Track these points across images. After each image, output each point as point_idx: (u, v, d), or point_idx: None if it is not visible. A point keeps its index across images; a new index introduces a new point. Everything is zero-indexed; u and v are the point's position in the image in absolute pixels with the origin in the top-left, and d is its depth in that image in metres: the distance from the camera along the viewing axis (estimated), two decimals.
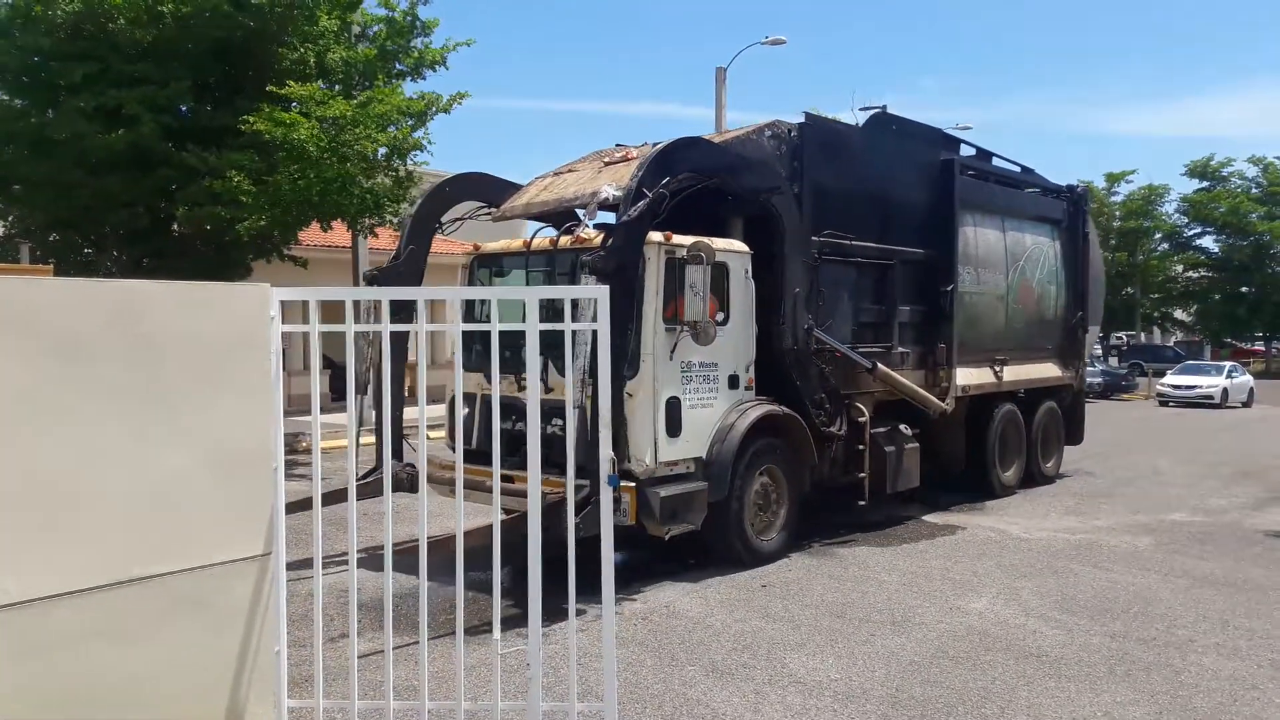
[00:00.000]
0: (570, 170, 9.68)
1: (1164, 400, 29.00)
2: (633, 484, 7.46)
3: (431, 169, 18.38)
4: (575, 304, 4.02)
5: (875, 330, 10.33)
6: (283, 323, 4.29)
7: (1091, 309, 14.01)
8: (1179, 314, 52.13)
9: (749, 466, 8.41)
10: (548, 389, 7.47)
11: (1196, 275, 49.06)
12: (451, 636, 4.51)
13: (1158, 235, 47.04)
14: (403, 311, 7.28)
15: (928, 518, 10.65)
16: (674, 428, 7.86)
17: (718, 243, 8.19)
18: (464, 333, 5.77)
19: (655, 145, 8.75)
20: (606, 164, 9.27)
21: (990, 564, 8.55)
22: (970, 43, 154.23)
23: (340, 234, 17.92)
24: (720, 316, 8.28)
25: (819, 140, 9.59)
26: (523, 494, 5.80)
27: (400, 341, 8.61)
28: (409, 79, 15.37)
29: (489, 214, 9.99)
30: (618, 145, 10.48)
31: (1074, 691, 5.48)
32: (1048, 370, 13.06)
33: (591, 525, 6.65)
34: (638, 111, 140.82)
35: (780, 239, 8.88)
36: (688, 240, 7.82)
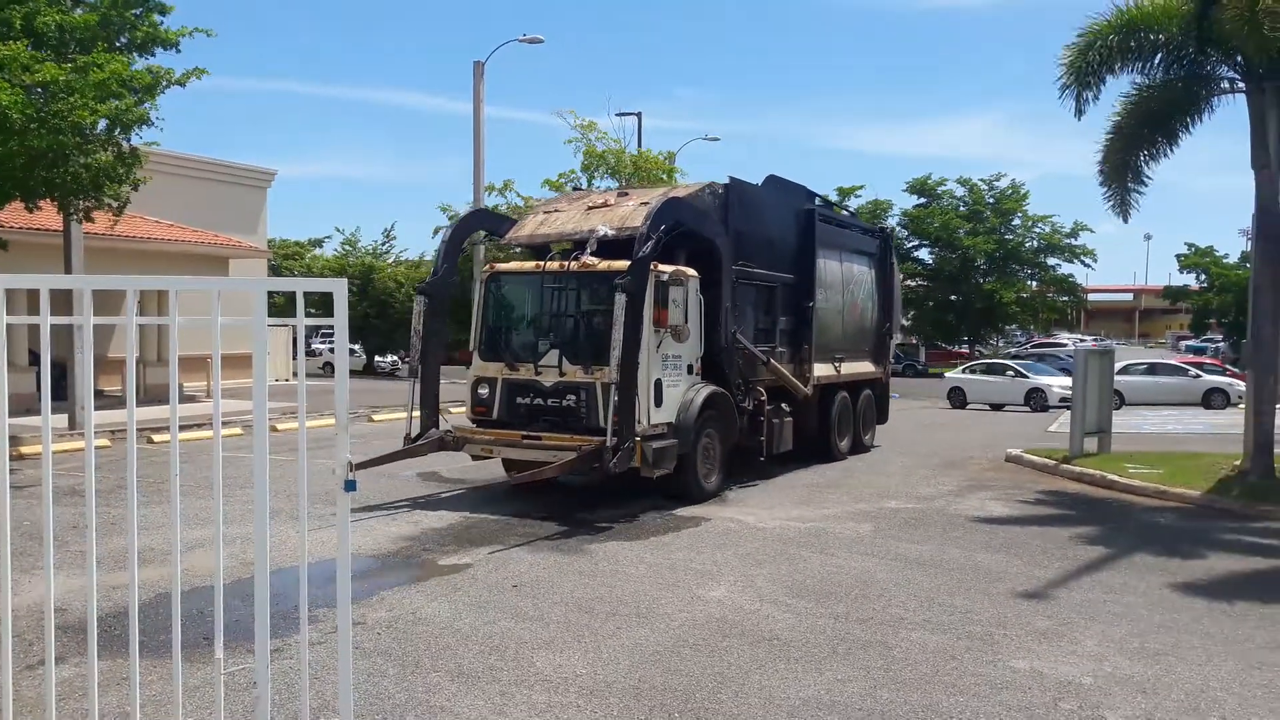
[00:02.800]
0: (556, 210, 12.86)
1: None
2: (638, 439, 10.53)
3: (166, 149, 16.90)
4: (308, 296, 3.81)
5: (765, 334, 13.74)
6: None
7: (895, 321, 18.25)
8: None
9: (700, 429, 11.59)
10: (561, 373, 11.11)
11: (914, 284, 53.86)
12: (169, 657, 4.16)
13: None
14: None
15: (676, 511, 11.04)
16: (659, 400, 11.08)
17: (684, 269, 11.56)
18: (486, 328, 11.44)
19: (622, 193, 13.23)
20: (590, 208, 12.45)
21: (729, 553, 8.98)
22: (723, 58, 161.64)
23: (50, 215, 16.15)
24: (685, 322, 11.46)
25: (738, 196, 12.97)
26: (547, 448, 10.85)
27: (437, 329, 12.11)
28: (137, 53, 14.11)
29: (493, 240, 13.61)
30: (575, 189, 15.00)
31: (801, 672, 5.85)
32: (866, 367, 17.03)
33: (624, 463, 10.39)
34: (394, 100, 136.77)
35: (718, 268, 12.10)
36: (669, 268, 11.26)
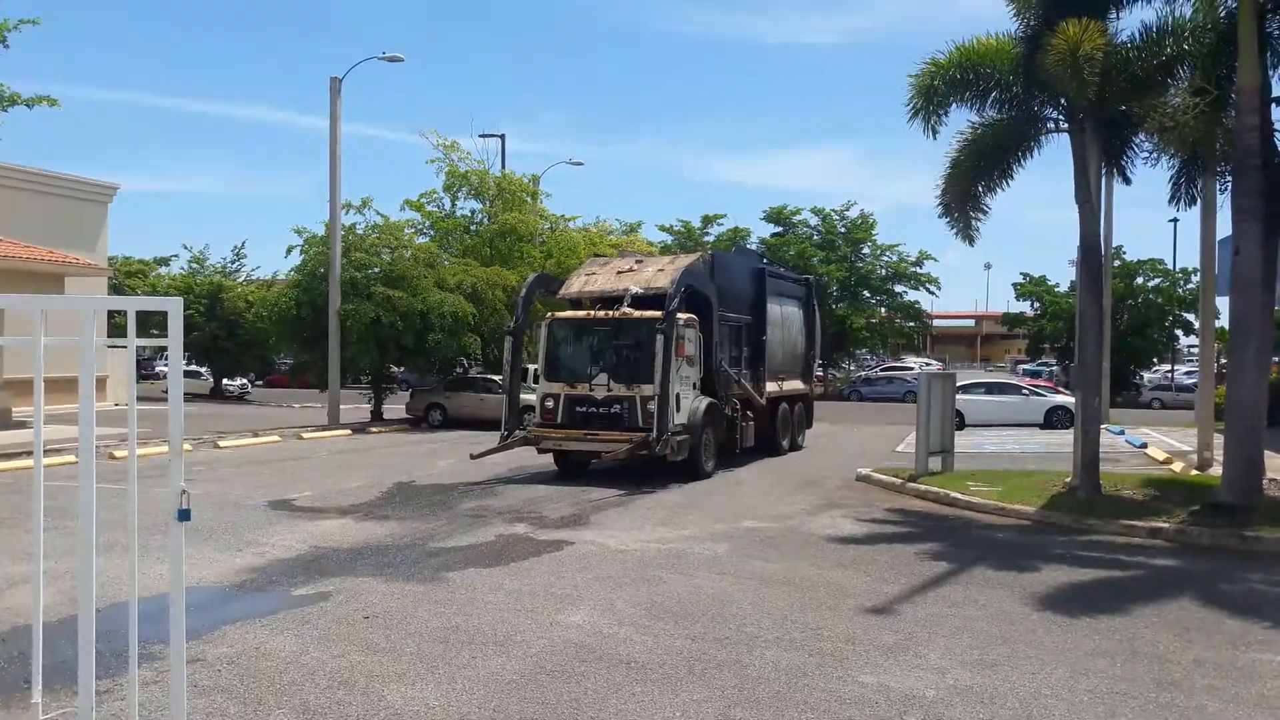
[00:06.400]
0: (593, 273, 18.20)
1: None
2: (669, 434, 15.26)
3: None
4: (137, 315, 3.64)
5: (735, 360, 18.63)
6: None
7: (817, 349, 24.10)
8: None
9: (703, 428, 16.44)
10: (609, 389, 16.06)
11: None
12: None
13: None
14: None
15: (537, 535, 10.96)
16: (678, 407, 15.81)
17: (692, 316, 16.59)
18: (550, 358, 17.10)
19: (638, 260, 18.76)
20: (619, 272, 17.79)
21: (589, 577, 8.96)
22: (588, 82, 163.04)
23: None
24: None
25: (720, 262, 18.95)
26: (601, 441, 15.99)
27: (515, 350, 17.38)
28: None
29: (550, 294, 18.83)
30: (595, 255, 24.37)
31: (657, 694, 5.87)
32: (799, 385, 22.50)
33: (663, 450, 15.27)
34: (247, 115, 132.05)
35: (709, 314, 17.22)
36: (684, 315, 16.21)
